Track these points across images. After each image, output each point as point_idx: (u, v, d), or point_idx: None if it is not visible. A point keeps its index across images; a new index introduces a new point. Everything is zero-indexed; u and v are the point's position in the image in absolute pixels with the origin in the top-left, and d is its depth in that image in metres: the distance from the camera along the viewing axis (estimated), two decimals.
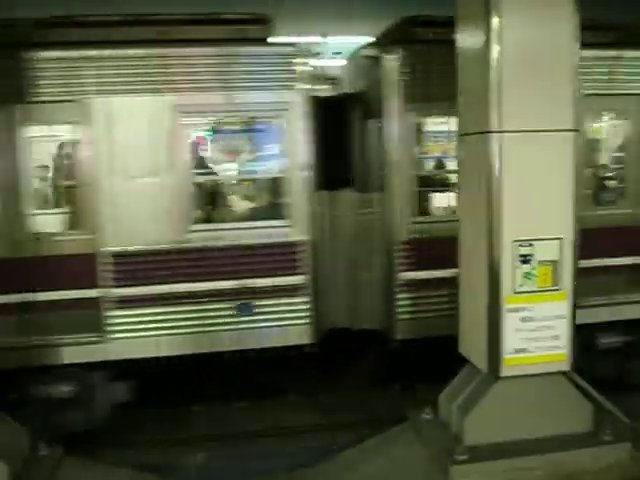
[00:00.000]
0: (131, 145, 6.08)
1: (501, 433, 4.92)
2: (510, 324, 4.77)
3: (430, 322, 6.58)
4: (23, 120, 6.00)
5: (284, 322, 6.41)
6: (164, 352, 6.22)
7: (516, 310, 4.78)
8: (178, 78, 6.14)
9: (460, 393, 5.12)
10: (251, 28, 6.34)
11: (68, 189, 6.61)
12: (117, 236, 6.10)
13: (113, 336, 6.14)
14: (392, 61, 6.55)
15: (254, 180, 7.23)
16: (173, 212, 6.18)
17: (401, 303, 6.66)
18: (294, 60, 6.30)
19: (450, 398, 5.21)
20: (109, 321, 6.12)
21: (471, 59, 4.96)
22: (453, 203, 6.79)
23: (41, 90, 5.97)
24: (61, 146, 6.89)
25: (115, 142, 6.05)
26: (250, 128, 7.33)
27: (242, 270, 6.30)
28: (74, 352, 6.07)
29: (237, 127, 7.46)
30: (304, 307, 6.45)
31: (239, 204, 7.00)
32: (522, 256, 4.74)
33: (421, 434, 5.26)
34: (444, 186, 7.31)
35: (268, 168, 7.20)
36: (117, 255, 6.11)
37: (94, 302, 6.08)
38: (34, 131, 6.13)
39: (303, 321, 6.46)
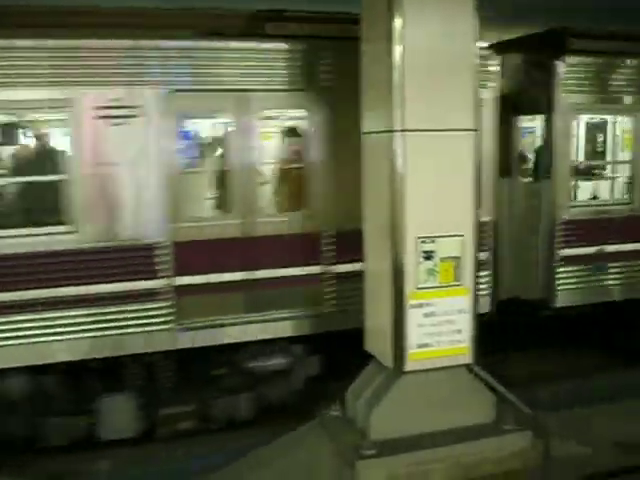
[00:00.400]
0: None
1: (407, 427, 5.01)
2: (413, 319, 4.86)
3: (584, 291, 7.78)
4: None
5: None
6: None
7: (419, 306, 4.87)
8: None
9: (366, 389, 5.17)
10: None
11: None
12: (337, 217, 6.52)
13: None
14: (561, 67, 7.45)
15: None
16: None
17: (559, 276, 7.63)
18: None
19: (356, 394, 5.25)
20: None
21: (375, 59, 5.01)
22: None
23: None
24: None
25: None
26: None
27: None
28: (295, 325, 6.53)
29: None
30: (486, 279, 7.19)
31: None
32: (425, 253, 4.83)
33: (329, 431, 5.28)
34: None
35: None
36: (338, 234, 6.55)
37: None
38: None
39: (486, 292, 7.17)
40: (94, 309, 5.88)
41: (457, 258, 4.90)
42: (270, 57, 6.29)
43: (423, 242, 4.82)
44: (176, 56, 6.01)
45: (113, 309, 5.94)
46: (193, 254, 6.15)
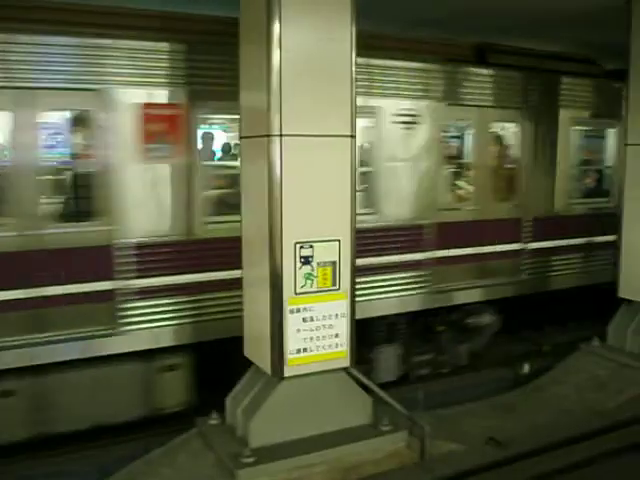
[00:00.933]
0: None
1: (287, 433, 5.00)
2: (292, 325, 4.86)
3: None
4: None
5: None
6: None
7: (298, 311, 4.87)
8: None
9: (245, 396, 5.12)
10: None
11: None
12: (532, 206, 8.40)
13: None
14: None
15: None
16: None
17: None
18: None
19: (236, 402, 5.19)
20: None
21: (253, 63, 4.97)
22: None
23: None
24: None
25: None
26: None
27: None
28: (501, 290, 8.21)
29: None
30: None
31: None
32: (303, 258, 4.84)
33: (208, 440, 5.19)
34: None
35: None
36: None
37: None
38: None
39: None
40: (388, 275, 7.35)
41: (334, 262, 4.95)
42: (496, 80, 7.96)
43: (301, 247, 4.82)
44: (438, 77, 7.49)
45: (401, 275, 7.45)
46: (447, 233, 7.67)
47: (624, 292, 7.47)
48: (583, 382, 7.17)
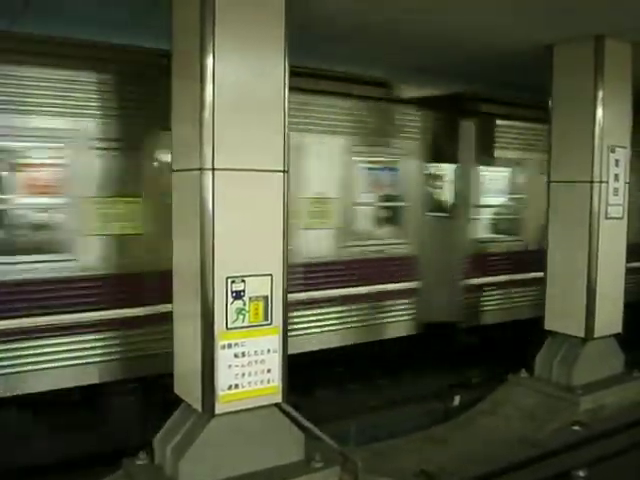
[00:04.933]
0: None
1: (218, 472, 4.87)
2: (223, 361, 4.78)
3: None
4: None
5: None
6: None
7: (229, 346, 4.79)
8: None
9: (175, 435, 4.98)
10: None
11: None
12: None
13: None
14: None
15: None
16: None
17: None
18: None
19: (165, 441, 5.04)
20: None
21: (185, 96, 4.95)
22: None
23: None
24: None
25: None
26: None
27: None
28: None
29: None
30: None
31: None
32: (234, 292, 4.79)
33: None
34: None
35: None
36: None
37: None
38: None
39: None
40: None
41: (266, 297, 4.92)
42: None
43: (233, 282, 4.77)
44: None
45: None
46: None
47: (550, 324, 7.69)
48: (512, 413, 7.30)
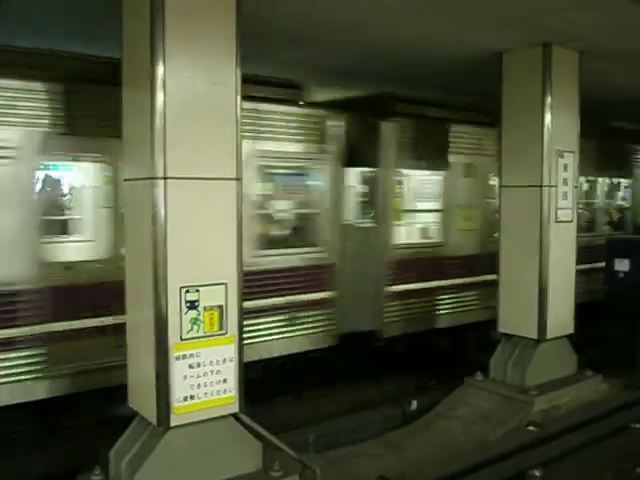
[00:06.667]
0: None
1: None
2: (178, 372, 4.71)
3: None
4: None
5: None
6: None
7: (184, 357, 4.73)
8: None
9: (130, 448, 4.89)
10: None
11: None
12: None
13: None
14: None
15: None
16: None
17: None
18: None
19: (120, 454, 4.94)
20: None
21: (136, 105, 4.89)
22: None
23: None
24: None
25: None
26: None
27: None
28: None
29: None
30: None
31: None
32: (189, 302, 4.74)
33: None
34: None
35: None
36: None
37: None
38: None
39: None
40: None
41: (221, 306, 4.88)
42: None
43: (187, 291, 4.72)
44: None
45: None
46: None
47: (503, 327, 7.81)
48: (468, 415, 7.39)
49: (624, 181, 12.61)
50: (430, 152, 9.11)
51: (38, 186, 6.95)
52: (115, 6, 4.97)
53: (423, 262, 9.06)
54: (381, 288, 8.61)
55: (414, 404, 8.00)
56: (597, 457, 6.16)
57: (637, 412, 7.16)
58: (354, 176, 8.81)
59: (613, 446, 6.40)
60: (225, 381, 4.94)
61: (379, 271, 8.61)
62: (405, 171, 9.34)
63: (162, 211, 4.64)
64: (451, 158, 9.30)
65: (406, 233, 9.61)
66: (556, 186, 7.50)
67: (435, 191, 9.74)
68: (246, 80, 6.01)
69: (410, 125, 8.81)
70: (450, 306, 9.38)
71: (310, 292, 7.87)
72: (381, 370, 9.09)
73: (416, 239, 9.79)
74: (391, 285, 8.65)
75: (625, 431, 6.73)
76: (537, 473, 5.57)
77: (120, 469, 4.88)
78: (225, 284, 4.90)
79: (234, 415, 5.08)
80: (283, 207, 8.48)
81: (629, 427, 6.78)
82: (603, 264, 9.98)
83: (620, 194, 12.68)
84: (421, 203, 10.10)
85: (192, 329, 4.76)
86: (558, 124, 7.46)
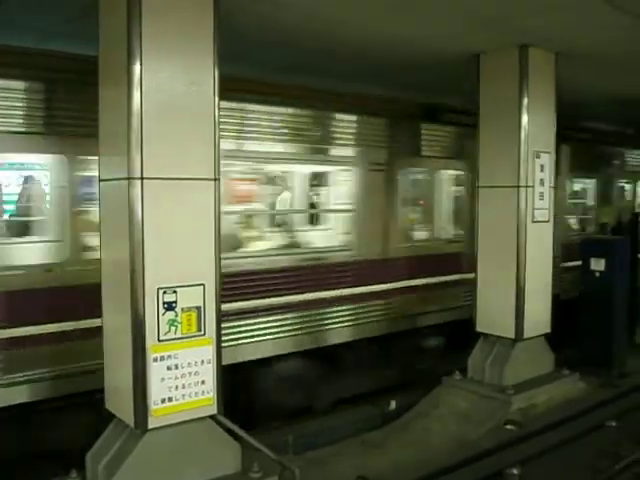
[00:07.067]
0: None
1: None
2: (156, 374, 4.67)
3: None
4: None
5: None
6: None
7: (161, 359, 4.70)
8: None
9: (107, 451, 4.83)
10: None
11: None
12: None
13: None
14: None
15: None
16: None
17: None
18: None
19: (97, 458, 4.88)
20: None
21: (112, 104, 4.83)
22: None
23: None
24: None
25: None
26: None
27: None
28: None
29: None
30: None
31: None
32: (166, 303, 4.70)
33: None
34: None
35: None
36: None
37: None
38: None
39: None
40: None
41: (199, 307, 4.84)
42: None
43: (164, 293, 4.68)
44: None
45: None
46: None
47: (481, 326, 7.85)
48: (447, 415, 7.41)
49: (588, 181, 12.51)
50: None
51: None
52: (92, 4, 4.91)
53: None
54: None
55: (393, 404, 8.01)
56: (574, 455, 6.22)
57: (613, 410, 7.24)
58: None
59: (589, 444, 6.47)
60: (203, 382, 4.91)
61: None
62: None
63: (139, 212, 4.60)
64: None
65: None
66: (533, 186, 7.55)
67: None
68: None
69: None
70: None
71: None
72: None
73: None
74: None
75: (601, 429, 6.81)
76: (515, 471, 5.62)
77: (97, 472, 4.82)
78: (203, 285, 4.87)
79: (213, 417, 5.04)
80: None
81: (605, 425, 6.86)
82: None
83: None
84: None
85: (170, 330, 4.73)
86: (535, 125, 7.52)
